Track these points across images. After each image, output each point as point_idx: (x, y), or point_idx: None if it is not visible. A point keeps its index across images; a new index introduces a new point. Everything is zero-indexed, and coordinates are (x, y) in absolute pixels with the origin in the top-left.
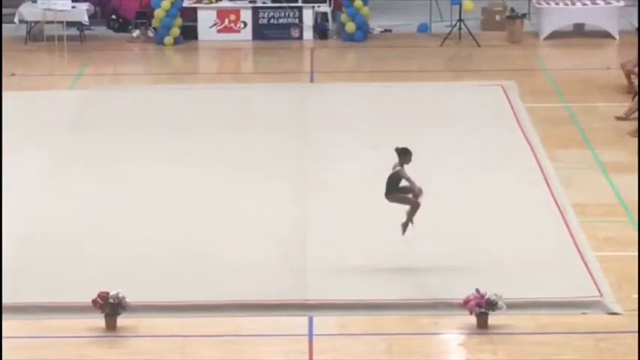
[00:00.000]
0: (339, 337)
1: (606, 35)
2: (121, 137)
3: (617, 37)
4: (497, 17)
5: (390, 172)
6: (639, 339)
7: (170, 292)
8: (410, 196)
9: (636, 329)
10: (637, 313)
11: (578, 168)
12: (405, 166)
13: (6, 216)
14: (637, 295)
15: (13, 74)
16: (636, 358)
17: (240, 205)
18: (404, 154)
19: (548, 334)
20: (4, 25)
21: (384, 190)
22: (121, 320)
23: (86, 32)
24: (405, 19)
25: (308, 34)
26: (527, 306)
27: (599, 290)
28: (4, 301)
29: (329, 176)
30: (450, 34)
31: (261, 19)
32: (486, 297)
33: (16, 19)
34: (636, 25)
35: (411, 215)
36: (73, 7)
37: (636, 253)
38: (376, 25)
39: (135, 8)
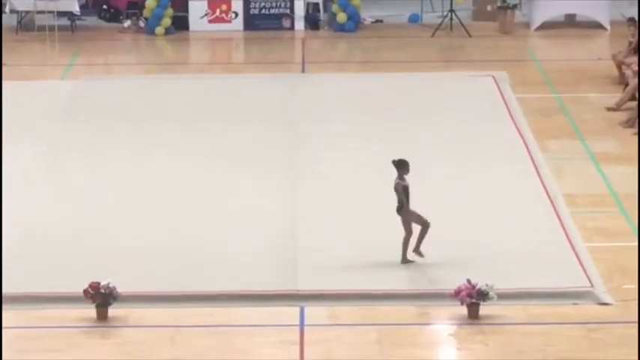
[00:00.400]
0: (330, 327)
1: (597, 26)
2: (112, 127)
3: (608, 27)
4: (489, 8)
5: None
6: (639, 329)
7: (161, 282)
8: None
9: (627, 319)
10: (637, 303)
11: (568, 158)
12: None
13: None
14: (629, 286)
15: (4, 64)
16: (627, 347)
17: (230, 195)
18: (402, 167)
19: (539, 325)
20: None
21: (396, 205)
22: (112, 310)
23: (77, 22)
24: (396, 10)
25: (299, 24)
26: (519, 296)
27: (589, 280)
28: None
29: (320, 167)
30: (441, 24)
31: (252, 10)
32: (477, 287)
33: (6, 9)
34: (627, 16)
35: (420, 238)
36: None
37: (627, 244)
38: (367, 15)
39: None
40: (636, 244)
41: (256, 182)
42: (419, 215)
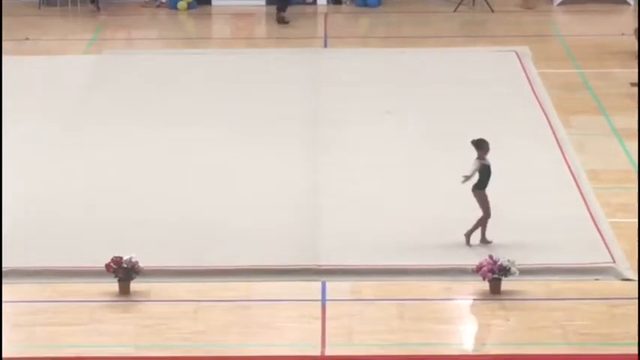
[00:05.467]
0: (352, 302)
1: (621, 1)
2: (134, 102)
3: (631, 2)
4: None
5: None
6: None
7: (183, 257)
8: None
9: None
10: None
11: (591, 134)
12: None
13: (20, 180)
14: None
15: (26, 39)
16: None
17: (252, 169)
18: (481, 146)
19: (561, 300)
20: None
21: (474, 180)
22: (134, 285)
23: None
24: None
25: None
26: (540, 272)
27: (612, 256)
28: (18, 265)
29: (342, 141)
30: None
31: None
32: (499, 263)
33: None
34: None
35: (481, 224)
36: None
37: None
38: None
39: None
40: None
41: (278, 157)
42: (488, 202)
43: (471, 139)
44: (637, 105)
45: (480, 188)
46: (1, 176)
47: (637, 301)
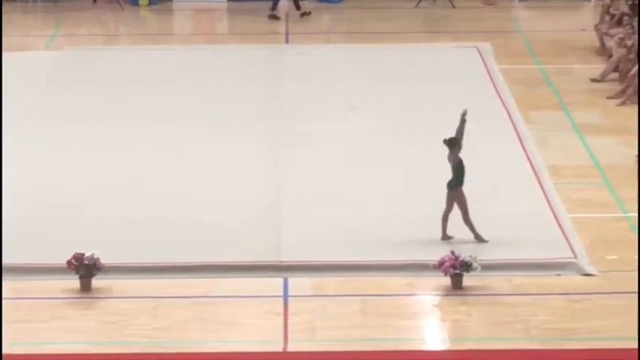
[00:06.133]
0: (314, 298)
1: None
2: (97, 98)
3: None
4: None
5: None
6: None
7: (145, 253)
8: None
9: (610, 290)
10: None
11: (552, 130)
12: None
13: None
14: (613, 257)
15: None
16: (609, 318)
17: (215, 166)
18: (453, 145)
19: (523, 295)
20: None
21: (450, 177)
22: (96, 282)
23: None
24: None
25: None
26: (502, 267)
27: (573, 252)
28: None
29: (305, 137)
30: None
31: None
32: (461, 258)
33: None
34: None
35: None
36: None
37: (610, 215)
38: None
39: None
40: (620, 214)
41: (241, 153)
42: (465, 201)
43: (443, 139)
44: (597, 101)
45: (455, 186)
46: None
47: (601, 295)
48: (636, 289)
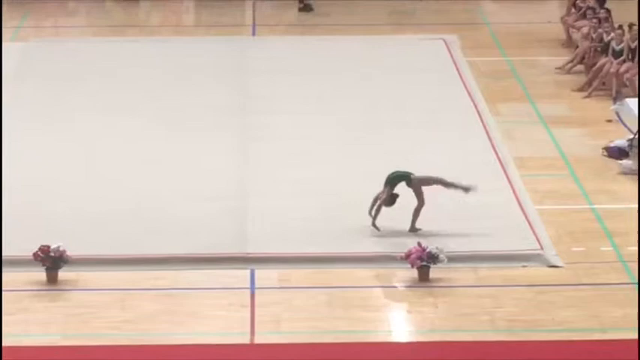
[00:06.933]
0: (280, 290)
1: None
2: (62, 90)
3: None
4: None
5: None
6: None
7: (112, 246)
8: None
9: (575, 282)
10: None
11: (519, 121)
12: None
13: None
14: (578, 249)
15: None
16: (574, 310)
17: (181, 158)
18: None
19: (489, 287)
20: None
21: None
22: (62, 274)
23: None
24: None
25: None
26: (469, 259)
27: (539, 243)
28: None
29: (271, 129)
30: None
31: None
32: (428, 250)
33: None
34: None
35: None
36: None
37: (577, 206)
38: None
39: None
40: (586, 206)
41: (207, 145)
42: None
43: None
44: (563, 93)
45: (411, 181)
46: None
47: (567, 287)
48: (601, 281)
